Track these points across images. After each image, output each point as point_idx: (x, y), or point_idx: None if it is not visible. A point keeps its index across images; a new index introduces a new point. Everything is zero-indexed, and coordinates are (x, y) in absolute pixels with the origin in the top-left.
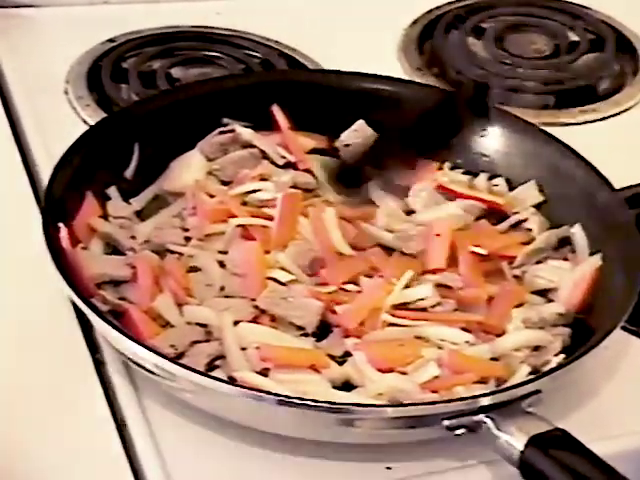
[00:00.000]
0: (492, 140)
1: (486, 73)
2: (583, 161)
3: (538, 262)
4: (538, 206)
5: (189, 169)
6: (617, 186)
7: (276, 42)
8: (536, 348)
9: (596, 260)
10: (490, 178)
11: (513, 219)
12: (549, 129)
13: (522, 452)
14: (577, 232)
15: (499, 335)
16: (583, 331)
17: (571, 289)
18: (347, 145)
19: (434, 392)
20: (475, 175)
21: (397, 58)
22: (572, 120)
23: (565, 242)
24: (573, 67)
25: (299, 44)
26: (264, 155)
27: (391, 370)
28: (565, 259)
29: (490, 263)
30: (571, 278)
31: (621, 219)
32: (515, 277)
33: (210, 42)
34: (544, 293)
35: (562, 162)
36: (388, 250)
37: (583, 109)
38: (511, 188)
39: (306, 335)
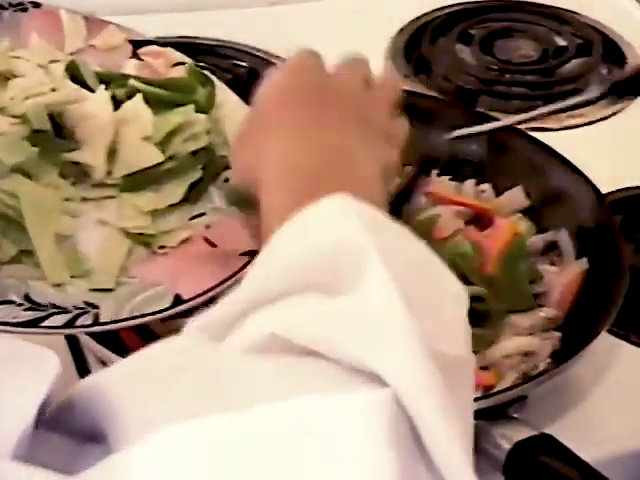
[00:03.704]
0: (479, 146)
1: (474, 79)
2: (570, 166)
3: None
4: (525, 211)
5: None
6: (603, 191)
7: (264, 51)
8: (526, 354)
9: (582, 264)
10: (477, 184)
11: None
12: (536, 134)
13: (507, 458)
14: (563, 237)
15: None
16: (573, 335)
17: (559, 293)
18: None
19: None
20: (462, 181)
21: (385, 65)
22: (559, 125)
23: (552, 247)
24: (561, 72)
25: (287, 53)
26: None
27: None
28: (552, 263)
29: None
30: (559, 282)
31: (607, 223)
32: None
33: (197, 52)
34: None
35: (548, 167)
36: None
37: (570, 114)
38: (498, 194)
39: None
